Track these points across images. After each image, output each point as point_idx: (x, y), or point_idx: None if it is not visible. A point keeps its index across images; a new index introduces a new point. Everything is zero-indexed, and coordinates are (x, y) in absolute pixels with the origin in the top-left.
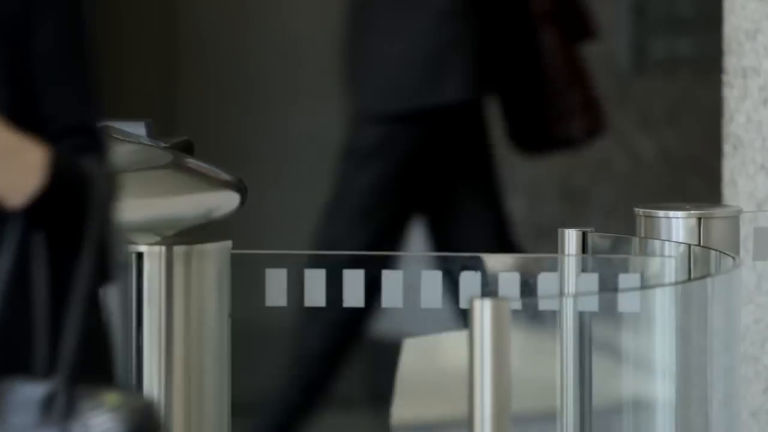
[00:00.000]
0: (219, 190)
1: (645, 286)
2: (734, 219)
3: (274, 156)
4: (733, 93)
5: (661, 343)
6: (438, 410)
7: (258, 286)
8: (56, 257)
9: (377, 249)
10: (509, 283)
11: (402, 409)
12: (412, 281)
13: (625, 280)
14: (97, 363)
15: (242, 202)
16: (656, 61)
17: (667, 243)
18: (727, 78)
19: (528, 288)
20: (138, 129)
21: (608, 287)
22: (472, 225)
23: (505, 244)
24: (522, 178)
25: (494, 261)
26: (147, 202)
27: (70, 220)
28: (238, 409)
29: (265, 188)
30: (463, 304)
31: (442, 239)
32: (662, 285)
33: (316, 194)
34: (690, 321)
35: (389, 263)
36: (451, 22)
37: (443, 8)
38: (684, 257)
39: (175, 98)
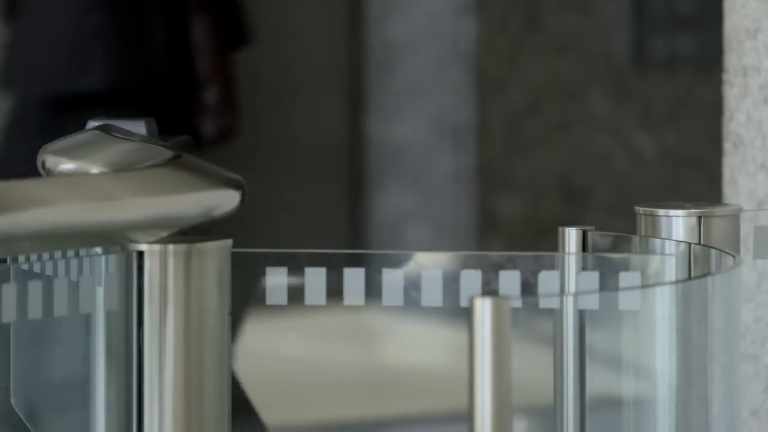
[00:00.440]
0: (219, 188)
1: (645, 284)
2: (734, 217)
3: (275, 154)
4: (733, 91)
5: (661, 341)
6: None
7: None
8: None
9: None
10: (509, 282)
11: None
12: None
13: (626, 278)
14: None
15: (242, 201)
16: (656, 60)
17: (667, 241)
18: (727, 76)
19: (528, 286)
20: (138, 127)
21: (608, 286)
22: None
23: None
24: (522, 176)
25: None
26: (147, 201)
27: None
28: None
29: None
30: (463, 303)
31: None
32: (662, 283)
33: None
34: (690, 319)
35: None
36: (95, 11)
37: None
38: (684, 256)
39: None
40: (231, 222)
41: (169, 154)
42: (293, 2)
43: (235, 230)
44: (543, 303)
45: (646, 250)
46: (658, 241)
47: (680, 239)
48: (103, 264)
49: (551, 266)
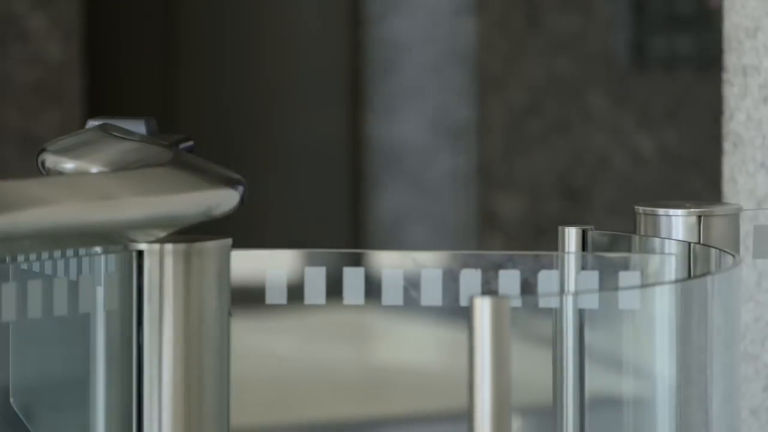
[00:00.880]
0: (219, 188)
1: (645, 284)
2: (734, 217)
3: (274, 153)
4: (733, 91)
5: (660, 341)
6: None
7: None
8: None
9: None
10: (509, 281)
11: None
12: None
13: (625, 277)
14: None
15: (242, 200)
16: (656, 59)
17: (667, 241)
18: (726, 76)
19: (528, 286)
20: (138, 127)
21: (608, 285)
22: None
23: None
24: (522, 175)
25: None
26: (146, 200)
27: None
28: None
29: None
30: (463, 302)
31: None
32: (662, 283)
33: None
34: (690, 319)
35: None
36: None
37: None
38: (684, 255)
39: (176, 96)
40: (231, 221)
41: (168, 153)
42: (293, 2)
43: (235, 229)
44: (543, 302)
45: (646, 249)
46: (657, 241)
47: (680, 238)
48: (102, 263)
49: (551, 265)
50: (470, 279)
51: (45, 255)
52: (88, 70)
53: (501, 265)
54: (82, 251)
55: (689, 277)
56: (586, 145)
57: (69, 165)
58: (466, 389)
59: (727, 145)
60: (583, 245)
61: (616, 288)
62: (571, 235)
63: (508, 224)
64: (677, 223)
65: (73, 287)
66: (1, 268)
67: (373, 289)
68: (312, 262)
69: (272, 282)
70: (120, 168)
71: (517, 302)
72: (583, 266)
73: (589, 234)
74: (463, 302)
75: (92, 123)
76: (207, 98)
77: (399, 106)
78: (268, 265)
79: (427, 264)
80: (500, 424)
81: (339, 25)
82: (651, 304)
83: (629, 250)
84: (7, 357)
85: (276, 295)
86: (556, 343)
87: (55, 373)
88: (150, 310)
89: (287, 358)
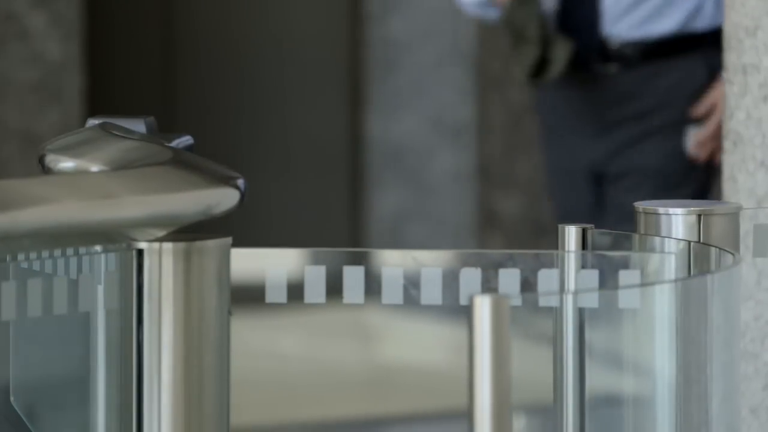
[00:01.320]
0: (219, 187)
1: (645, 282)
2: (734, 216)
3: (274, 152)
4: (733, 90)
5: (660, 339)
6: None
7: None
8: None
9: None
10: (509, 280)
11: None
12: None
13: (625, 276)
14: None
15: (242, 199)
16: None
17: (666, 240)
18: (727, 75)
19: (528, 284)
20: (138, 126)
21: (608, 284)
22: None
23: None
24: (522, 174)
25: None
26: (146, 199)
27: None
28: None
29: (265, 185)
30: (463, 301)
31: None
32: (662, 282)
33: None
34: (690, 318)
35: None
36: None
37: None
38: (684, 254)
39: (176, 95)
40: (230, 220)
41: (168, 152)
42: (293, 1)
43: (235, 228)
44: (543, 301)
45: (646, 248)
46: (657, 240)
47: (680, 237)
48: (102, 262)
49: (551, 264)
50: (470, 278)
51: (45, 254)
52: (88, 69)
53: (501, 264)
54: (82, 250)
55: (689, 275)
56: None
57: (69, 164)
58: (466, 388)
59: (727, 144)
60: (583, 244)
61: (616, 287)
62: (571, 234)
63: (508, 223)
64: (677, 222)
65: (73, 286)
66: (1, 267)
67: (373, 287)
68: (312, 260)
69: (272, 281)
70: (120, 167)
71: (517, 301)
72: (583, 265)
73: (589, 233)
74: (464, 301)
75: (92, 122)
76: (207, 97)
77: (399, 105)
78: (268, 264)
79: (427, 263)
80: (500, 423)
81: (339, 24)
82: (651, 303)
83: (629, 249)
84: (8, 356)
85: (276, 294)
86: (556, 341)
87: (56, 371)
88: (150, 309)
89: (287, 357)
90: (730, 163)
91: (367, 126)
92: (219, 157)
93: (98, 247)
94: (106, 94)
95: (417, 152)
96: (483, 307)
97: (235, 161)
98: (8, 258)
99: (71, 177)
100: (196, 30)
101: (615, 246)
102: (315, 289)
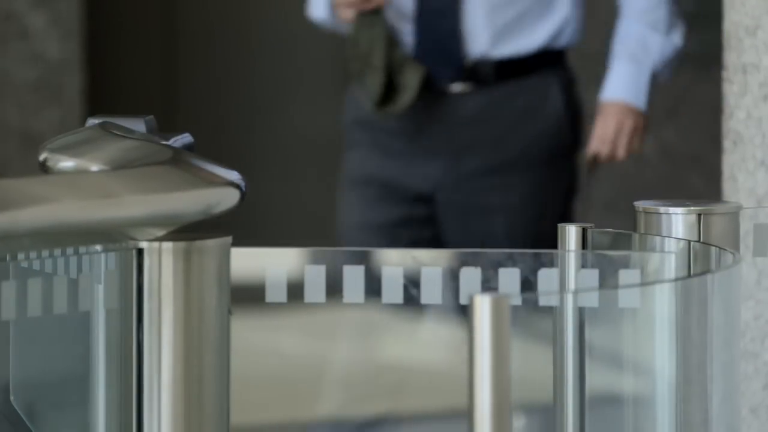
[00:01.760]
0: (219, 186)
1: (645, 282)
2: (734, 215)
3: (274, 152)
4: (732, 89)
5: (660, 339)
6: None
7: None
8: None
9: None
10: (509, 280)
11: None
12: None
13: (625, 276)
14: None
15: (242, 199)
16: None
17: (666, 239)
18: (726, 74)
19: (528, 284)
20: (138, 125)
21: (608, 283)
22: None
23: None
24: None
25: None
26: (146, 198)
27: None
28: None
29: (265, 184)
30: (463, 300)
31: None
32: (662, 281)
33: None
34: (690, 317)
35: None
36: None
37: None
38: (684, 253)
39: (176, 95)
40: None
41: (168, 151)
42: (294, 1)
43: (235, 227)
44: (543, 300)
45: (646, 247)
46: (657, 239)
47: (680, 237)
48: (102, 261)
49: (551, 264)
50: (470, 277)
51: (45, 253)
52: (88, 68)
53: (501, 264)
54: (82, 249)
55: (689, 275)
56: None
57: (69, 163)
58: (466, 387)
59: (726, 143)
60: (583, 243)
61: (616, 286)
62: (571, 233)
63: None
64: (677, 222)
65: (73, 285)
66: (1, 266)
67: (373, 287)
68: (312, 260)
69: (272, 280)
70: (120, 166)
71: (517, 300)
72: (583, 264)
73: (589, 232)
74: (463, 300)
75: (92, 121)
76: (206, 97)
77: None
78: (268, 264)
79: (427, 262)
80: (500, 422)
81: None
82: (651, 303)
83: (629, 248)
84: (8, 355)
85: (276, 294)
86: (556, 341)
87: (56, 371)
88: (150, 308)
89: (287, 357)
90: (730, 162)
91: None
92: (219, 157)
93: (98, 247)
94: (106, 93)
95: None
96: (483, 307)
97: (235, 161)
98: (8, 257)
99: (71, 176)
100: (197, 29)
101: (615, 245)
102: (315, 289)
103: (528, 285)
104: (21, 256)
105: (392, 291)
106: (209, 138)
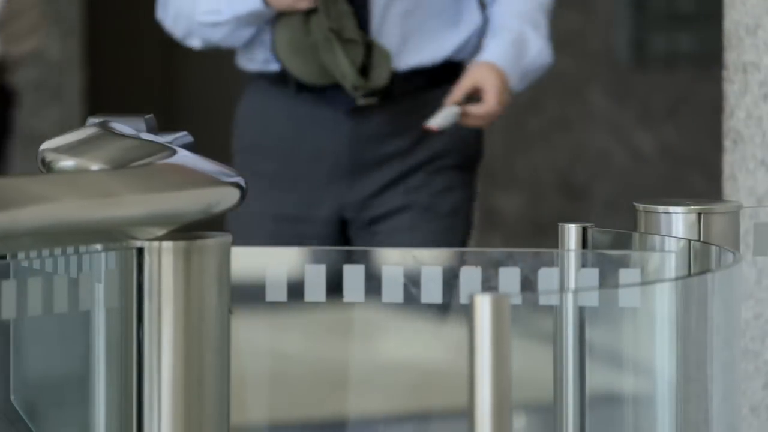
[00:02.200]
0: (219, 185)
1: (645, 281)
2: (734, 214)
3: None
4: (733, 88)
5: (660, 338)
6: None
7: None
8: None
9: None
10: (509, 279)
11: None
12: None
13: (626, 275)
14: None
15: (242, 198)
16: (656, 57)
17: (667, 238)
18: (727, 73)
19: (528, 283)
20: (138, 124)
21: (608, 282)
22: None
23: None
24: (522, 173)
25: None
26: (147, 198)
27: None
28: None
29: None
30: (463, 300)
31: None
32: (662, 280)
33: None
34: (690, 316)
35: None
36: None
37: None
38: (684, 252)
39: (176, 94)
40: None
41: (168, 151)
42: None
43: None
44: (543, 300)
45: (646, 247)
46: (657, 238)
47: (680, 236)
48: (102, 261)
49: (551, 263)
50: (470, 276)
51: (45, 252)
52: (88, 68)
53: (501, 263)
54: (82, 248)
55: (689, 274)
56: (586, 142)
57: (69, 162)
58: (466, 386)
59: (727, 143)
60: (584, 243)
61: (617, 285)
62: (571, 233)
63: (508, 221)
64: (677, 221)
65: (74, 284)
66: (1, 266)
67: (373, 286)
68: (312, 259)
69: (272, 279)
70: (120, 165)
71: (517, 300)
72: (584, 263)
73: (590, 231)
74: (464, 300)
75: (92, 120)
76: (206, 96)
77: None
78: (268, 263)
79: (427, 261)
80: (500, 421)
81: None
82: (651, 302)
83: (629, 247)
84: (8, 355)
85: (276, 293)
86: (556, 340)
87: (56, 370)
88: (150, 308)
89: (287, 356)
90: (730, 161)
91: None
92: (219, 156)
93: (98, 246)
94: (106, 92)
95: None
96: (483, 306)
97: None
98: (8, 256)
99: (71, 175)
100: None
101: (615, 245)
102: (315, 288)
103: (528, 284)
104: (21, 255)
105: (392, 290)
106: (209, 137)
